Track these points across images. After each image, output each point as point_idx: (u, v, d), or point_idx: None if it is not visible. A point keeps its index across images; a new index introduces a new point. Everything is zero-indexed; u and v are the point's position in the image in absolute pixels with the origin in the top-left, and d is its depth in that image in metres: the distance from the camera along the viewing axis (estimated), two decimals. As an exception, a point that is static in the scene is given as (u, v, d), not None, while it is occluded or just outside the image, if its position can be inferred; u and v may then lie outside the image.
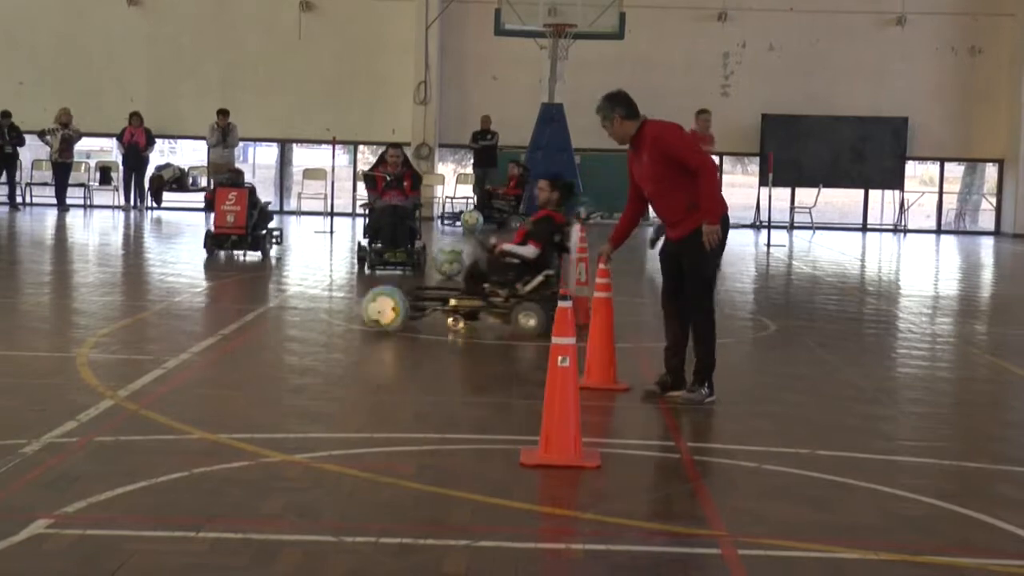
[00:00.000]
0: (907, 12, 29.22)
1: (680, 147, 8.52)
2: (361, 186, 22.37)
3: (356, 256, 17.32)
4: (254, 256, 18.68)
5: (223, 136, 27.30)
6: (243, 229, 18.48)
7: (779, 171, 26.44)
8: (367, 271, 16.67)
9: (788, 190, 29.25)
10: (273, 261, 18.72)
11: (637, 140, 8.61)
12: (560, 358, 6.95)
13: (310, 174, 30.34)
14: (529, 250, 11.92)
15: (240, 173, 20.95)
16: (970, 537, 6.01)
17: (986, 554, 5.67)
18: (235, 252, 18.76)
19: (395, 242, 16.74)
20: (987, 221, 31.80)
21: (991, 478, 7.29)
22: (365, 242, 17.04)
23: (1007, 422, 9.21)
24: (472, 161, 29.20)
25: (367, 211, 17.35)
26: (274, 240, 19.47)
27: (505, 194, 25.85)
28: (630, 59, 27.97)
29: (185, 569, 5.16)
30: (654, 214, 9.22)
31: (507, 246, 12.14)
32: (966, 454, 7.86)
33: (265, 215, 19.33)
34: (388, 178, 17.02)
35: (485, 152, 28.15)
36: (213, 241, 18.58)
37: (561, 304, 7.07)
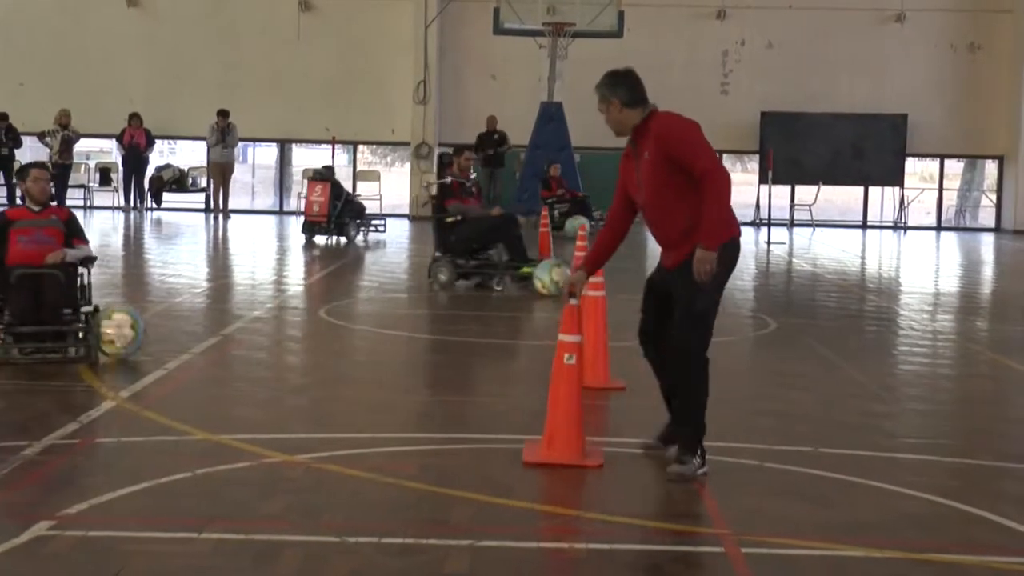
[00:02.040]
0: (906, 9, 29.20)
1: (687, 147, 6.66)
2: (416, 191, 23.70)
3: (429, 272, 15.52)
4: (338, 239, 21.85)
5: (222, 136, 27.29)
6: (326, 217, 21.57)
7: (779, 169, 26.45)
8: (437, 288, 15.20)
9: (788, 188, 29.25)
10: (361, 245, 21.90)
11: (639, 134, 6.85)
12: (567, 355, 6.88)
13: (310, 174, 30.31)
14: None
15: (330, 169, 23.00)
16: (973, 534, 6.01)
17: (989, 551, 5.67)
18: (320, 236, 21.81)
19: (523, 256, 15.34)
20: (987, 218, 31.80)
21: (993, 475, 7.28)
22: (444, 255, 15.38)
23: (1009, 419, 9.20)
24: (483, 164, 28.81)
25: (437, 222, 15.55)
26: (372, 228, 23.09)
27: (559, 196, 25.36)
28: (629, 57, 27.49)
29: (187, 570, 5.16)
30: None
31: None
32: (968, 451, 7.85)
33: (352, 205, 22.32)
34: (466, 183, 15.64)
35: (496, 154, 28.02)
36: (305, 228, 21.78)
37: (569, 302, 6.98)
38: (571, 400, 6.87)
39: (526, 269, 14.93)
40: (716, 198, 6.56)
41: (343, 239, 21.94)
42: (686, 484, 6.61)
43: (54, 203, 10.62)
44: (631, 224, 7.14)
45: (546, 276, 14.46)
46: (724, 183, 6.61)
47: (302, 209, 22.81)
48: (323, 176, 22.32)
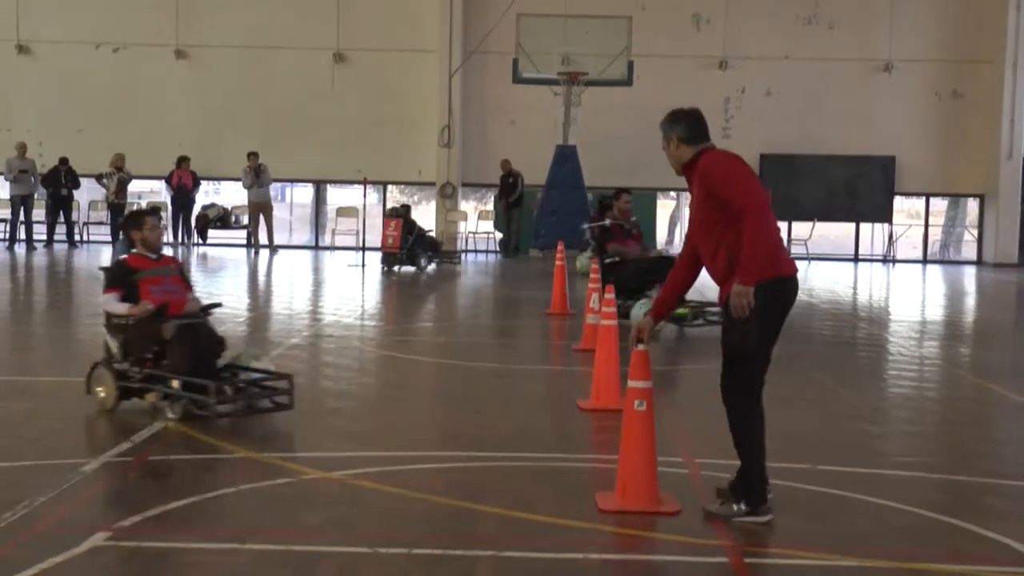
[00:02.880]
0: (894, 59, 29.21)
1: (727, 183, 6.18)
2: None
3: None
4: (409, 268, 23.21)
5: (256, 175, 27.40)
6: (397, 249, 23.08)
7: (777, 206, 26.01)
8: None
9: (785, 224, 29.20)
10: (425, 272, 23.12)
11: (689, 170, 6.43)
12: (636, 402, 6.28)
13: (343, 212, 30.43)
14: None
15: (406, 208, 24.27)
16: (959, 546, 5.98)
17: (974, 561, 5.65)
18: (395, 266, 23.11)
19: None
20: (970, 251, 31.69)
21: (978, 490, 7.24)
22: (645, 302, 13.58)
23: (991, 439, 9.16)
24: (497, 199, 28.81)
25: (601, 263, 14.04)
26: (448, 260, 24.73)
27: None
28: (638, 104, 27.96)
29: (233, 578, 5.17)
30: None
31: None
32: (954, 468, 7.82)
33: (423, 240, 23.63)
34: (625, 225, 14.84)
35: (509, 190, 28.06)
36: (383, 258, 23.36)
37: (637, 348, 6.33)
38: (644, 446, 6.29)
39: (682, 311, 13.50)
40: (752, 235, 6.02)
41: (414, 268, 23.23)
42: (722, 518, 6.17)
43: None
44: (699, 267, 6.53)
45: (639, 315, 12.46)
46: (762, 221, 6.08)
47: (379, 243, 24.30)
48: (398, 213, 23.72)
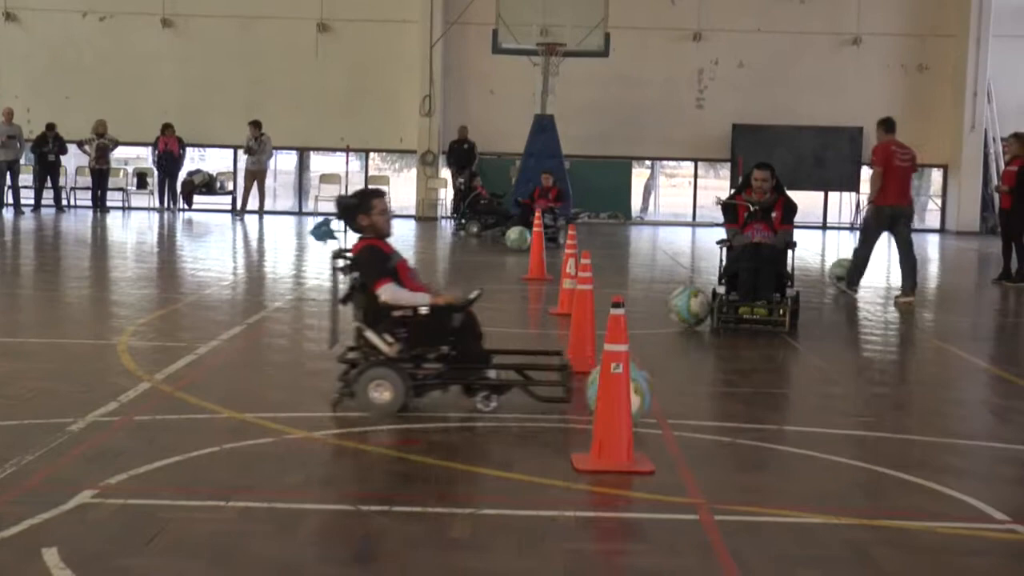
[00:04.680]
0: (862, 33, 29.19)
1: None
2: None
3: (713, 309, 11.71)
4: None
5: (259, 146, 27.32)
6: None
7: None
8: (719, 326, 11.62)
9: (756, 192, 29.19)
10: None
11: None
12: (613, 365, 6.27)
13: (326, 178, 30.32)
14: None
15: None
16: (918, 502, 6.02)
17: (935, 518, 5.68)
18: None
19: (755, 293, 11.71)
20: (933, 220, 31.76)
21: (937, 450, 7.28)
22: (721, 290, 12.00)
23: (951, 400, 9.21)
24: (451, 164, 28.50)
25: (724, 249, 12.33)
26: None
27: (550, 206, 24.41)
28: (614, 75, 27.97)
29: (216, 535, 5.16)
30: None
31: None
32: (915, 428, 7.86)
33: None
34: (752, 208, 12.12)
35: (463, 155, 28.10)
36: None
37: (613, 312, 6.36)
38: (619, 409, 6.30)
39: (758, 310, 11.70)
40: None
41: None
42: None
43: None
44: None
45: (684, 304, 11.52)
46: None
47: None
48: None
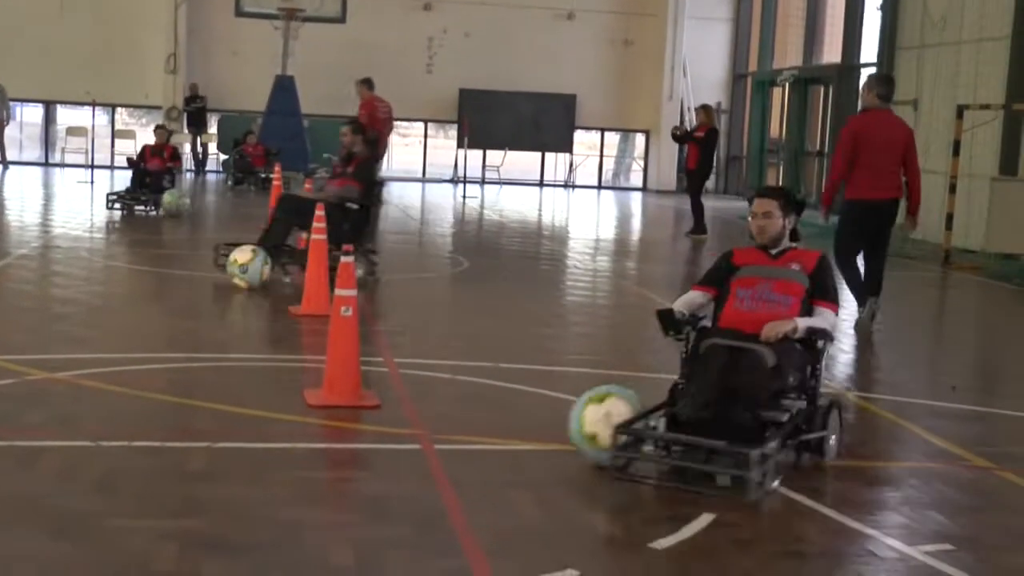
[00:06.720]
0: (576, 9, 29.80)
1: None
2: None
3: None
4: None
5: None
6: None
7: (473, 136, 26.67)
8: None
9: (480, 152, 29.53)
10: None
11: None
12: (343, 308, 6.26)
13: (72, 131, 28.93)
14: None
15: None
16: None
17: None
18: None
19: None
20: (636, 180, 32.86)
21: (633, 384, 7.54)
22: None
23: (648, 339, 9.56)
24: (187, 123, 28.25)
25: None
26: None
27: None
28: (351, 40, 27.65)
29: (-44, 474, 4.90)
30: None
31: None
32: (616, 364, 8.12)
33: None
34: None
35: (197, 114, 27.87)
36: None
37: (343, 259, 6.39)
38: (348, 349, 6.28)
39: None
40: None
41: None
42: None
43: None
44: None
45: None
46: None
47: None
48: None
